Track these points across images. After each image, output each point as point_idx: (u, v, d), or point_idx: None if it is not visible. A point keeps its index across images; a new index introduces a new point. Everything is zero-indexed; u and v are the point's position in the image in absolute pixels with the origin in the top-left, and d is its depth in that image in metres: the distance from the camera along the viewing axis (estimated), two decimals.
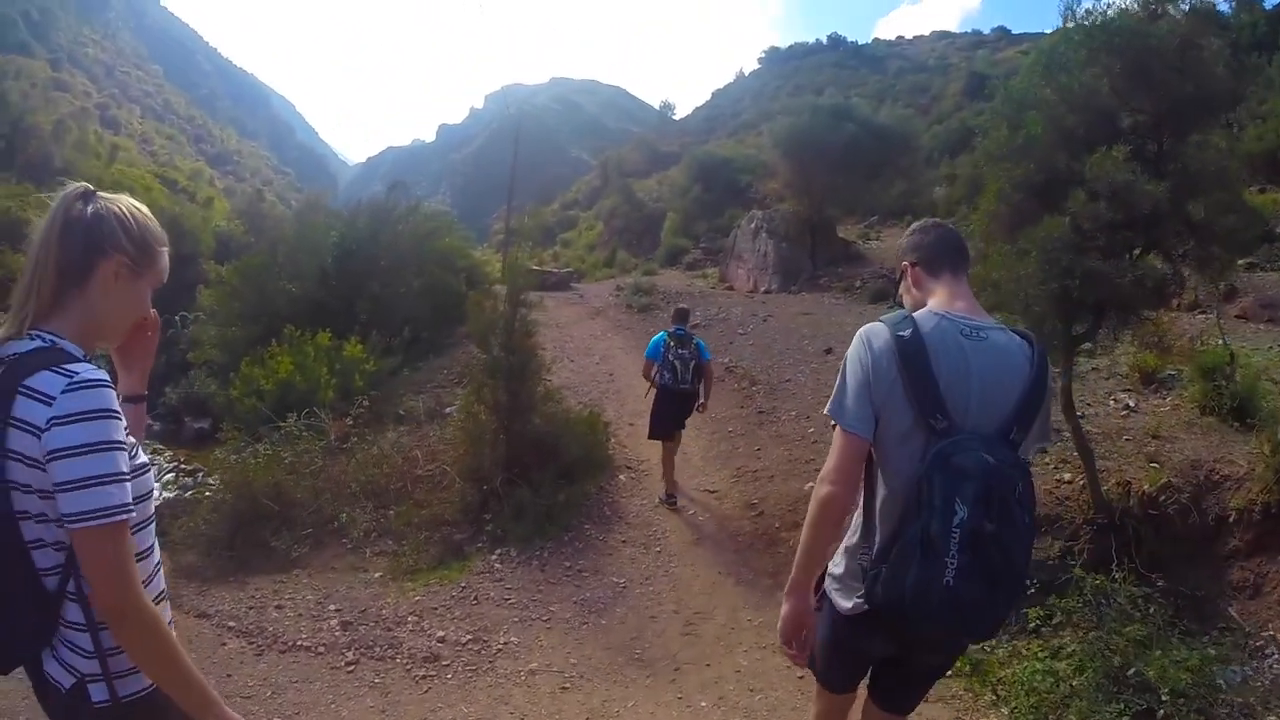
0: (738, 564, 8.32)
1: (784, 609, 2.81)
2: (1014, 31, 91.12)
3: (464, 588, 7.84)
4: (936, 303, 2.80)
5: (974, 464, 2.43)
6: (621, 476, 10.44)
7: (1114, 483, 7.37)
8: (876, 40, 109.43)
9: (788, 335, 16.33)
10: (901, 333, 2.61)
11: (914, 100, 51.12)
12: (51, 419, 1.80)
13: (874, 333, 2.68)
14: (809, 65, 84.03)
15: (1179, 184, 5.89)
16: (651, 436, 9.81)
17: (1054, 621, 6.14)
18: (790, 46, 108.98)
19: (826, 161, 26.62)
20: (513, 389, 9.45)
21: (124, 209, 2.07)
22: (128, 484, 1.89)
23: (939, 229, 3.03)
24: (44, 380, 1.83)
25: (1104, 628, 5.52)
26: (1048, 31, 63.62)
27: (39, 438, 1.80)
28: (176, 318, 21.53)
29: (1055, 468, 8.05)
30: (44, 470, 1.82)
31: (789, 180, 28.87)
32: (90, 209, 2.02)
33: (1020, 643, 6.21)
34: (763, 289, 24.30)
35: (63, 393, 1.82)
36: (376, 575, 8.23)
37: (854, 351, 2.71)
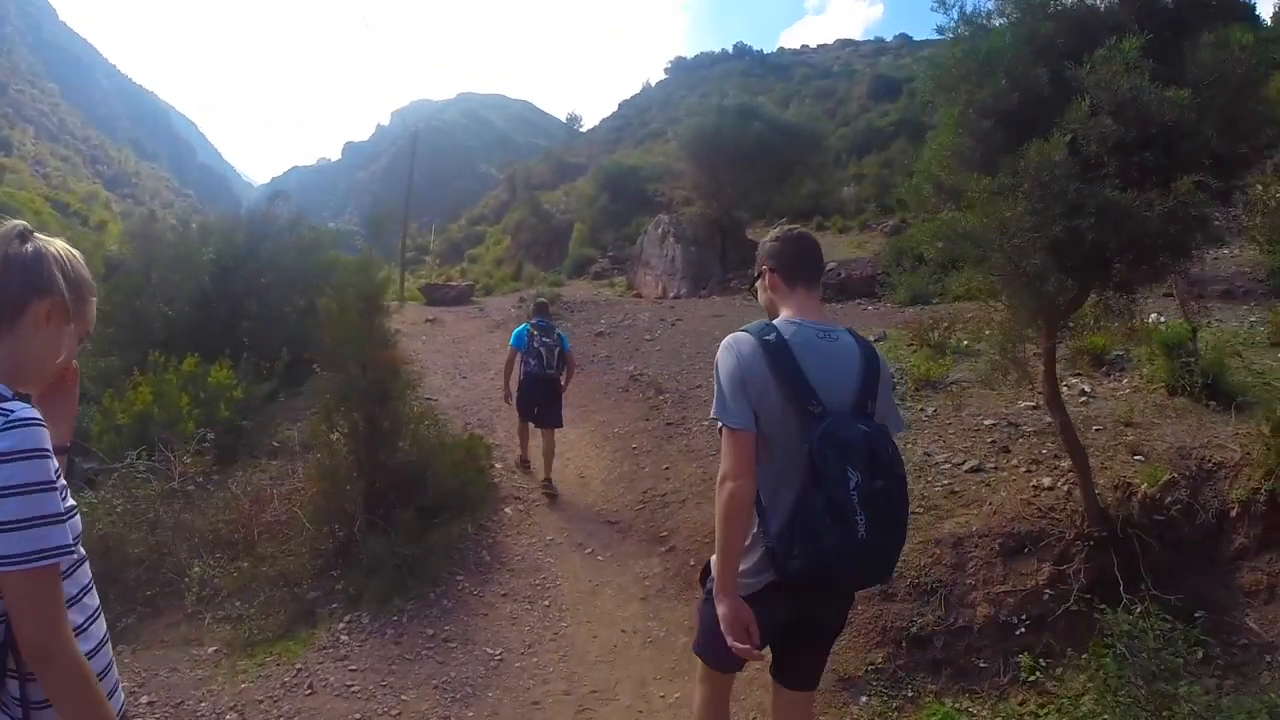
0: (645, 616, 6.66)
1: (722, 611, 2.89)
2: (916, 38, 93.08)
3: (299, 671, 6.04)
4: (791, 312, 3.06)
5: (856, 436, 2.73)
6: (508, 510, 8.81)
7: (1106, 485, 6.09)
8: (781, 49, 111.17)
9: (698, 339, 14.86)
10: (767, 337, 2.89)
11: (820, 105, 50.68)
12: None
13: (740, 340, 2.94)
14: (715, 74, 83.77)
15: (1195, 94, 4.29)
16: (523, 419, 9.90)
17: (1056, 672, 5.10)
18: (696, 56, 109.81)
19: (734, 162, 25.86)
20: (371, 413, 7.83)
21: (60, 251, 2.03)
22: (65, 525, 1.79)
23: (799, 242, 3.21)
24: None
25: (1131, 673, 4.38)
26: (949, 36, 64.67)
27: None
28: None
29: (1028, 471, 6.71)
30: None
31: (697, 183, 28.12)
32: (29, 247, 1.96)
33: (1013, 700, 5.03)
34: (671, 294, 23.51)
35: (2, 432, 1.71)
36: (211, 650, 6.47)
37: (724, 358, 2.94)
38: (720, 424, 2.86)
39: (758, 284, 3.29)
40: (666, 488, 8.77)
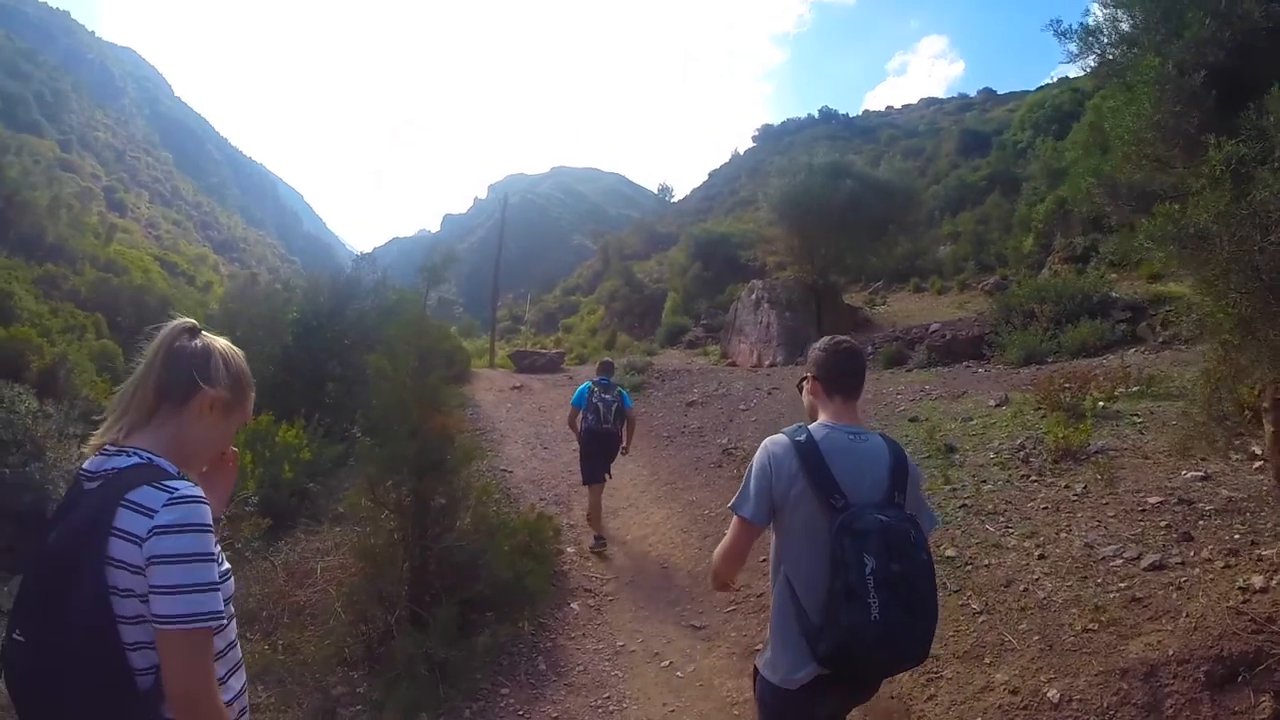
0: None
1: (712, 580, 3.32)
2: (1000, 92, 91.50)
3: None
4: (827, 418, 3.18)
5: (871, 524, 2.81)
6: (574, 605, 7.45)
7: None
8: (866, 112, 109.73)
9: (796, 408, 12.99)
10: (798, 438, 3.02)
11: (909, 164, 49.40)
12: (152, 529, 1.87)
13: (775, 441, 3.07)
14: (802, 139, 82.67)
15: None
16: (585, 481, 9.69)
17: None
18: (782, 123, 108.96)
19: (827, 223, 24.50)
20: (421, 486, 6.66)
21: (224, 348, 2.21)
22: (218, 593, 1.93)
23: (843, 356, 3.28)
24: (145, 495, 1.90)
25: None
26: (1033, 90, 62.69)
27: (140, 546, 1.86)
28: None
29: (1226, 566, 5.17)
30: (144, 575, 1.86)
31: (790, 246, 26.66)
32: (198, 343, 2.15)
33: None
34: (767, 362, 22.26)
35: (163, 506, 1.89)
36: None
37: (759, 457, 3.06)
38: (733, 513, 3.04)
39: (803, 387, 3.40)
40: (764, 586, 7.15)
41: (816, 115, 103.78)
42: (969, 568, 6.22)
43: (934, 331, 18.01)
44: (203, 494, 1.94)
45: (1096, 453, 7.66)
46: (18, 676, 1.92)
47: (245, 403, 2.24)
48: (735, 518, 3.05)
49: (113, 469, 1.95)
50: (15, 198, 39.57)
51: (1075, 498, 6.87)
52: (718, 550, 3.16)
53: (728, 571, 3.17)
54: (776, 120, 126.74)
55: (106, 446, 2.01)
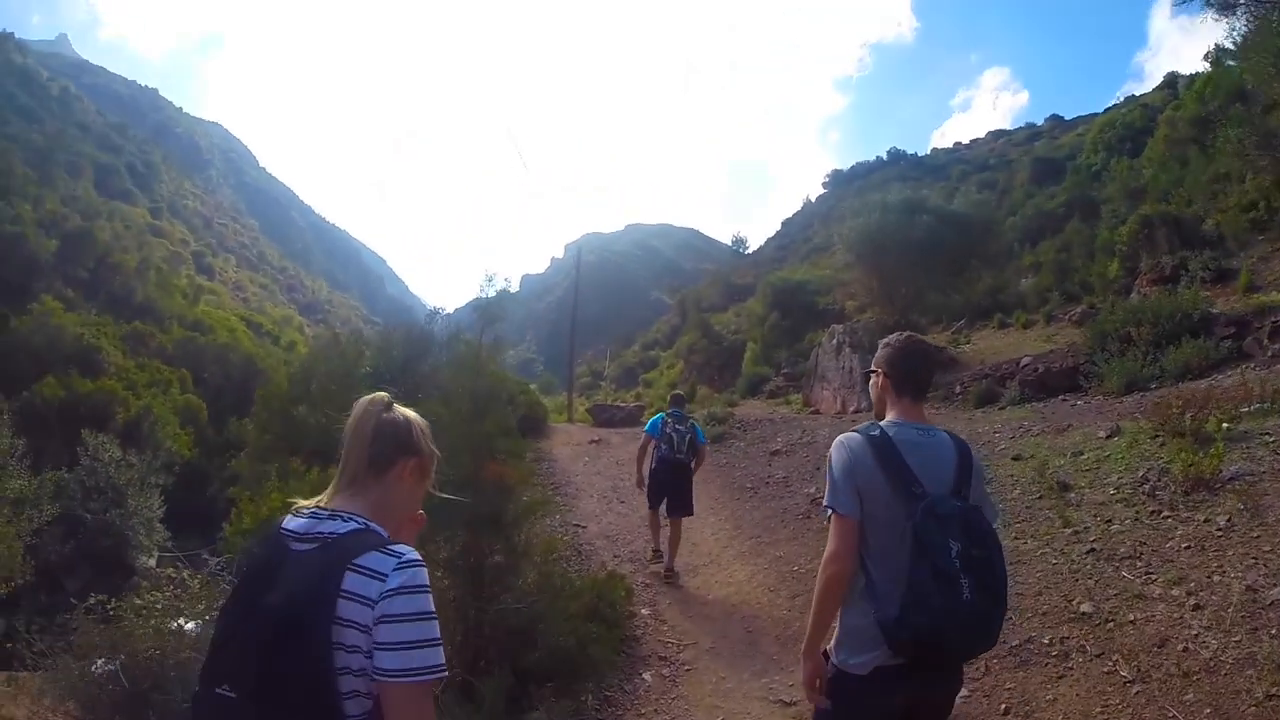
0: None
1: (806, 668, 3.14)
2: (1067, 117, 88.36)
3: None
4: (895, 415, 3.21)
5: (953, 510, 2.90)
6: (647, 676, 6.61)
7: None
8: (935, 150, 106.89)
9: None
10: (872, 434, 3.09)
11: (984, 194, 48.09)
12: (385, 592, 1.96)
13: (849, 438, 3.12)
14: (873, 182, 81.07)
15: None
16: (651, 507, 9.83)
17: None
18: (852, 167, 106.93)
19: (905, 260, 23.74)
20: (475, 543, 6.13)
21: (417, 419, 2.35)
22: (442, 647, 2.03)
23: (914, 356, 3.29)
24: (374, 560, 2.00)
25: None
26: (1101, 111, 60.94)
27: (372, 607, 1.95)
28: None
29: None
30: (370, 634, 1.95)
31: (869, 288, 26.10)
32: (398, 415, 2.30)
33: None
34: (851, 408, 21.09)
35: (393, 570, 1.99)
36: None
37: (836, 453, 3.11)
38: (830, 511, 3.03)
39: (870, 383, 3.40)
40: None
41: (885, 157, 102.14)
42: (1110, 625, 5.32)
43: (1025, 366, 17.00)
44: (421, 559, 2.05)
45: (1232, 479, 6.77)
46: None
47: (432, 470, 2.36)
48: (835, 517, 3.03)
49: (331, 533, 2.07)
50: (107, 259, 40.54)
51: (1219, 533, 5.99)
52: (825, 558, 3.04)
53: (841, 575, 3.01)
54: (845, 165, 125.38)
55: (316, 510, 2.15)
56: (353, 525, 2.09)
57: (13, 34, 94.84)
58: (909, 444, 3.06)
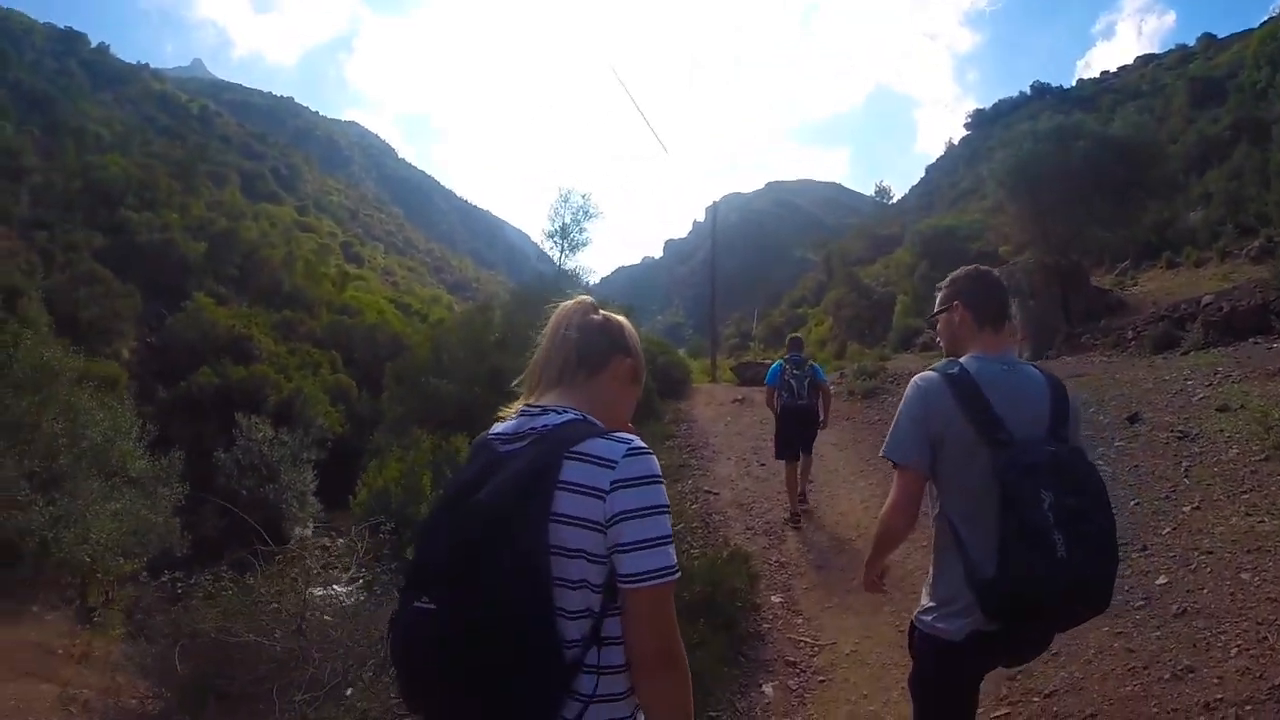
0: None
1: (867, 575, 3.13)
2: (1220, 35, 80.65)
3: None
4: (977, 349, 2.91)
5: (1045, 458, 2.56)
6: (767, 689, 5.33)
7: None
8: (1081, 81, 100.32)
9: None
10: (951, 371, 2.78)
11: (1144, 117, 44.78)
12: (615, 482, 1.75)
13: (925, 378, 2.82)
14: (1019, 119, 77.95)
15: None
16: (778, 457, 9.60)
17: None
18: (995, 104, 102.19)
19: (1062, 193, 21.48)
20: None
21: (627, 323, 2.18)
22: (673, 546, 1.83)
23: (993, 284, 3.05)
24: (599, 446, 1.80)
25: None
26: (1257, 26, 55.53)
27: (603, 500, 1.74)
28: None
29: None
30: (602, 533, 1.74)
31: (1023, 226, 23.97)
32: (603, 315, 2.12)
33: None
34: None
35: (623, 458, 1.78)
36: None
37: (910, 396, 2.82)
38: (890, 461, 2.83)
39: (940, 319, 3.08)
40: (1059, 678, 4.72)
41: (1029, 91, 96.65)
42: None
43: (1207, 306, 15.22)
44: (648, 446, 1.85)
45: None
46: (423, 647, 1.76)
47: (642, 377, 2.17)
48: (895, 469, 2.80)
49: (544, 425, 1.86)
50: (254, 255, 42.28)
51: None
52: (884, 509, 2.86)
53: (896, 530, 2.85)
54: (986, 104, 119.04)
55: (526, 408, 1.96)
56: (570, 415, 1.89)
57: (147, 64, 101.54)
58: (994, 382, 2.76)
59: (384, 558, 8.29)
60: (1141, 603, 5.21)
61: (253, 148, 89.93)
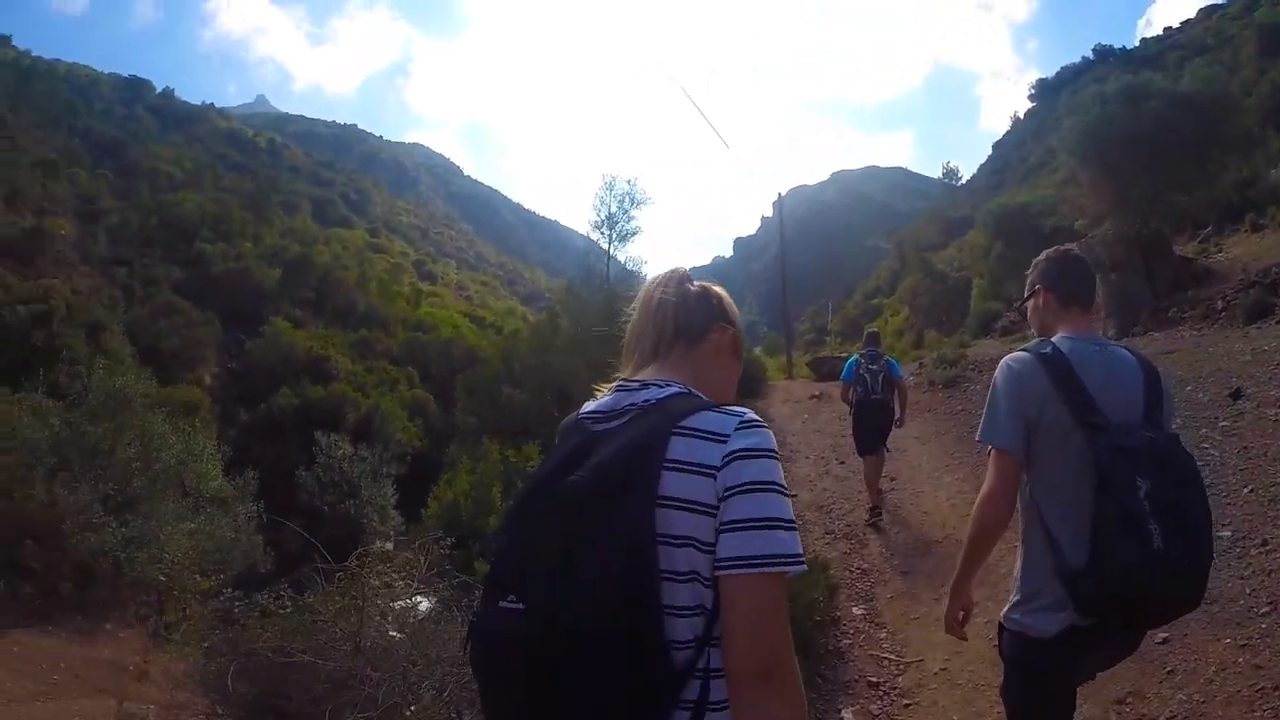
0: None
1: (949, 606, 2.95)
2: None
3: None
4: (1066, 331, 2.84)
5: (1142, 443, 2.48)
6: (847, 715, 4.91)
7: None
8: (1143, 40, 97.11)
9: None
10: (1044, 351, 2.71)
11: (1214, 70, 43.25)
12: (728, 454, 1.50)
13: (1019, 358, 2.76)
14: (1084, 84, 76.46)
15: None
16: (859, 453, 9.50)
17: None
18: (1058, 72, 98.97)
19: (1135, 157, 20.52)
20: None
21: (725, 293, 2.00)
22: (798, 533, 1.54)
23: (1074, 263, 3.02)
24: (708, 419, 1.56)
25: None
26: None
27: (714, 477, 1.49)
28: None
29: None
30: (712, 516, 1.48)
31: (1098, 195, 23.13)
32: (699, 284, 1.94)
33: None
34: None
35: (736, 430, 1.54)
36: None
37: (1001, 377, 2.77)
38: (987, 446, 2.77)
39: (1028, 306, 3.08)
40: (1176, 700, 4.21)
41: (1091, 55, 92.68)
42: None
43: None
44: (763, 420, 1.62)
45: None
46: (508, 652, 1.50)
47: (743, 349, 2.00)
48: (992, 452, 2.70)
49: (646, 400, 1.64)
50: (328, 278, 43.45)
51: None
52: (980, 497, 2.72)
53: (992, 524, 2.71)
54: (1049, 73, 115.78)
55: (623, 383, 1.74)
56: (674, 389, 1.68)
57: (212, 104, 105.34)
58: (1087, 362, 2.67)
59: (446, 573, 8.16)
60: (1267, 609, 4.62)
61: (321, 175, 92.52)
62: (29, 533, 10.23)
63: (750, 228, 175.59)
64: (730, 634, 1.46)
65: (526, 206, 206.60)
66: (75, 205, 38.58)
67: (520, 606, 1.48)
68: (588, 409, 1.73)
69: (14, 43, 71.79)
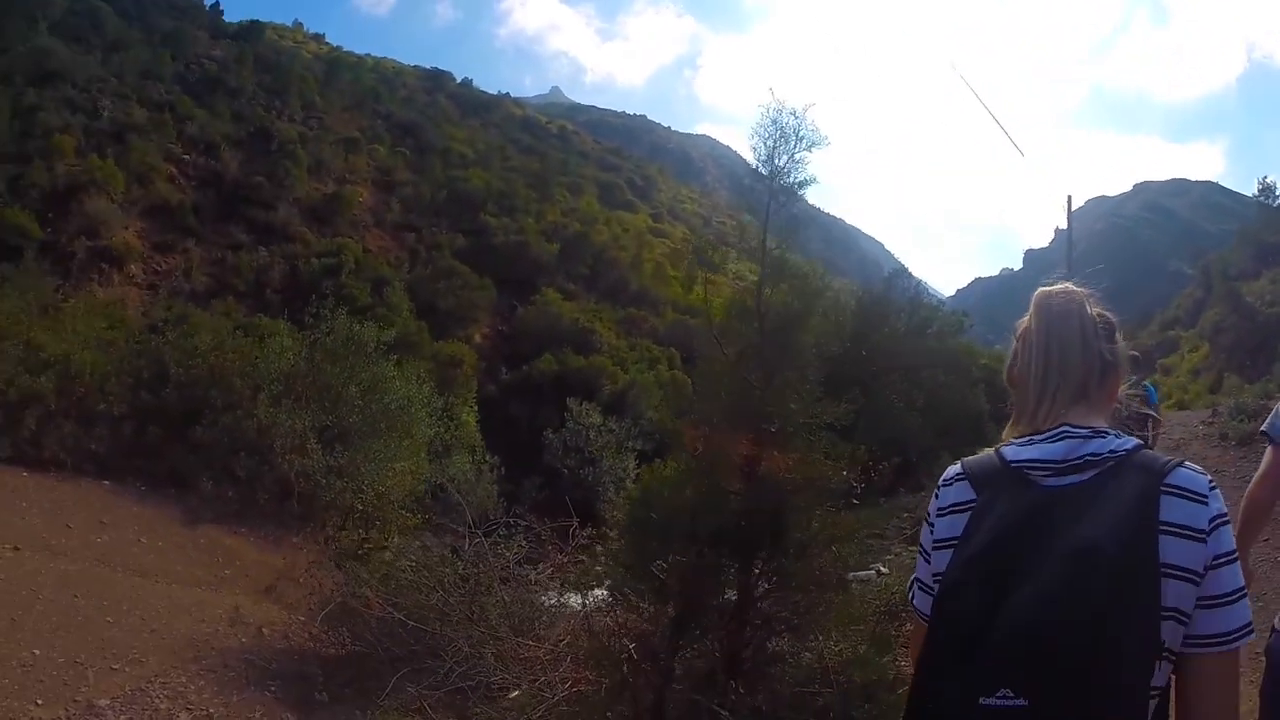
0: None
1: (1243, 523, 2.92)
2: None
3: None
4: None
5: None
6: None
7: None
8: None
9: None
10: None
11: None
12: (1213, 519, 1.39)
13: None
14: None
15: None
16: None
17: None
18: None
19: None
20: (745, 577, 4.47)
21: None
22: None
23: None
24: (1185, 477, 1.42)
25: None
26: None
27: (1204, 542, 1.37)
28: None
29: None
30: (1196, 584, 1.36)
31: None
32: (1098, 310, 1.68)
33: None
34: None
35: (1209, 490, 1.41)
36: None
37: None
38: (1266, 438, 2.80)
39: None
40: None
41: None
42: None
43: None
44: None
45: None
46: None
47: None
48: (1269, 447, 2.78)
49: (1111, 451, 1.44)
50: (604, 255, 45.06)
51: None
52: (1251, 482, 2.82)
53: (1259, 500, 2.78)
54: None
55: (1068, 427, 1.50)
56: (1133, 442, 1.47)
57: (508, 94, 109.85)
58: None
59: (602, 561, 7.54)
60: None
61: (608, 161, 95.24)
62: (243, 446, 11.13)
63: (1043, 239, 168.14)
64: (1204, 706, 1.38)
65: (810, 202, 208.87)
66: (373, 176, 41.82)
67: (1022, 703, 1.27)
68: (1019, 456, 1.50)
69: (327, 39, 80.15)
